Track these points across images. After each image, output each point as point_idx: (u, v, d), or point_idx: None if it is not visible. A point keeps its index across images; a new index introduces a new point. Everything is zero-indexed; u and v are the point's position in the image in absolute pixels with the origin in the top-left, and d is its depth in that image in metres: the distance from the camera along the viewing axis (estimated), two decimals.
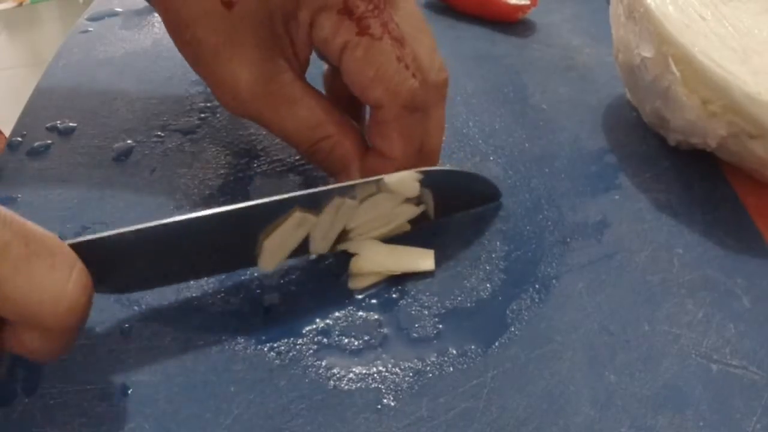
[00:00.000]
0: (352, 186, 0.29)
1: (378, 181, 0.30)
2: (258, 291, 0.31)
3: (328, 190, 0.29)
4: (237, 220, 0.27)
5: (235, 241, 0.28)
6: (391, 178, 0.30)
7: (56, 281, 0.22)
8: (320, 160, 0.32)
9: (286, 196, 0.28)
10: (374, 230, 0.31)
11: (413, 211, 0.31)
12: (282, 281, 0.31)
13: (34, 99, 0.42)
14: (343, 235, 0.31)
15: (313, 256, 0.32)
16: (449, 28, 0.51)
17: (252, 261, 0.29)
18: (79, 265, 0.23)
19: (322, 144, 0.31)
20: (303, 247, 0.30)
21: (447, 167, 0.34)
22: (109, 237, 0.25)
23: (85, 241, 0.25)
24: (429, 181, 0.31)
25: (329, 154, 0.31)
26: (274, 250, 0.29)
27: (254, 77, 0.29)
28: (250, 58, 0.29)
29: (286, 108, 0.30)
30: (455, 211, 0.34)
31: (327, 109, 0.31)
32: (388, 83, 0.29)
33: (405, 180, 0.30)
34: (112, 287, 0.27)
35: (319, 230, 0.30)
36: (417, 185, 0.30)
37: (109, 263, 0.26)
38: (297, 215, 0.28)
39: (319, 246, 0.30)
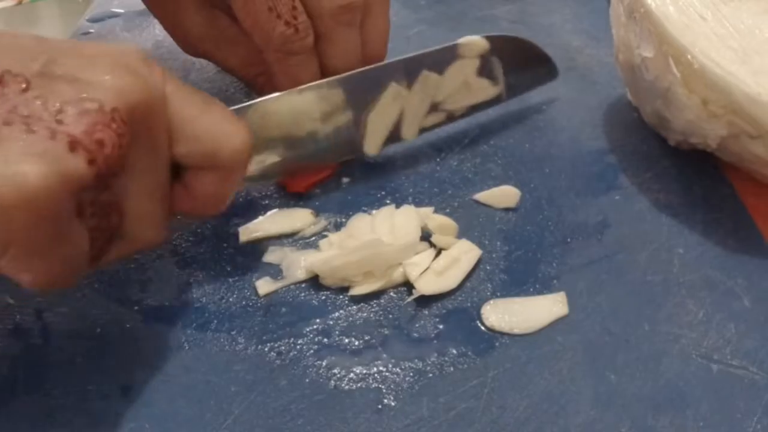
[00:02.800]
0: (432, 54, 0.35)
1: (452, 46, 0.36)
2: (258, 291, 0.31)
3: (417, 60, 0.35)
4: (341, 91, 0.34)
5: (340, 120, 0.34)
6: (462, 40, 0.36)
7: (231, 122, 0.27)
8: (261, 91, 0.36)
9: (382, 66, 0.35)
10: (458, 102, 0.37)
11: (488, 87, 0.38)
12: (283, 281, 0.31)
13: None
14: (433, 110, 0.37)
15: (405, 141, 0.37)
16: (450, 30, 0.51)
17: (358, 146, 0.35)
18: (240, 119, 0.28)
19: (260, 78, 0.37)
20: (396, 132, 0.36)
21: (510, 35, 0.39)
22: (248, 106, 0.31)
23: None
24: (494, 46, 0.37)
25: (266, 86, 0.37)
26: (375, 129, 0.35)
27: (198, 22, 0.36)
28: (194, 8, 0.36)
29: (227, 47, 0.37)
30: (521, 90, 0.40)
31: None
32: (260, 31, 0.34)
33: (474, 41, 0.36)
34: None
35: (410, 106, 0.36)
36: (485, 43, 0.36)
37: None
38: (393, 87, 0.34)
39: (410, 128, 0.36)
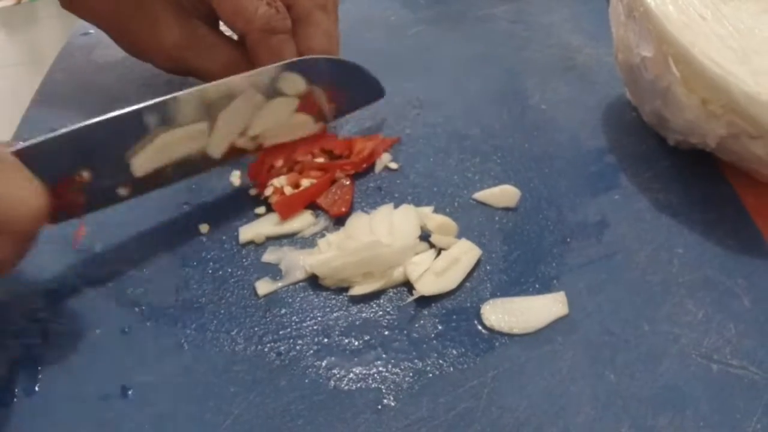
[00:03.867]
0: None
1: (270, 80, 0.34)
2: (257, 291, 0.31)
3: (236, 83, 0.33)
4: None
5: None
6: (282, 77, 0.34)
7: (22, 187, 0.25)
8: None
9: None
10: (275, 138, 0.36)
11: (310, 122, 0.37)
12: (282, 281, 0.31)
13: (35, 103, 0.42)
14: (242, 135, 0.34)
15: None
16: (450, 30, 0.51)
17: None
18: (35, 179, 0.26)
19: None
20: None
21: (327, 57, 0.37)
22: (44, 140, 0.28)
23: (23, 148, 0.27)
24: (314, 74, 0.35)
25: None
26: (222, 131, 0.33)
27: (176, 35, 0.37)
28: (169, 23, 0.36)
29: (207, 53, 0.38)
30: (347, 110, 0.39)
31: (241, 51, 0.38)
32: (243, 14, 0.35)
33: (294, 79, 0.35)
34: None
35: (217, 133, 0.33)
36: (302, 80, 0.35)
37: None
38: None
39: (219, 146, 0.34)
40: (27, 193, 0.25)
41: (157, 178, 0.32)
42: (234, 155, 0.35)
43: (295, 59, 0.35)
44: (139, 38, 0.38)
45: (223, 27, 0.39)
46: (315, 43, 0.37)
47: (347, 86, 0.38)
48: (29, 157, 0.27)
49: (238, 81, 0.33)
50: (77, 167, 0.29)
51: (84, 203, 0.30)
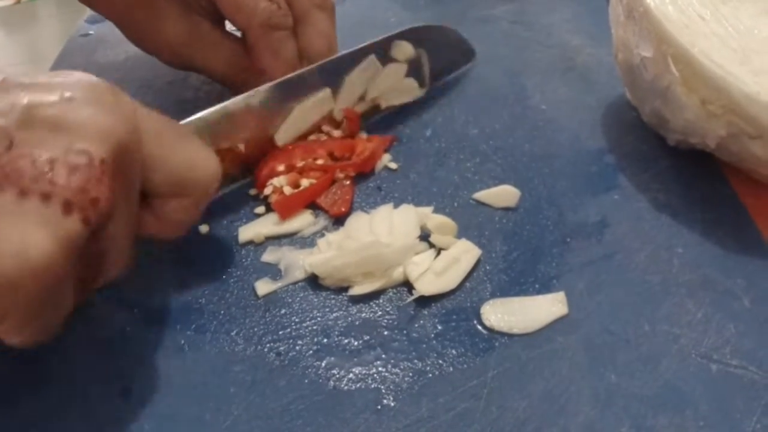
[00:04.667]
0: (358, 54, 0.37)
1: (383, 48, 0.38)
2: (257, 291, 0.31)
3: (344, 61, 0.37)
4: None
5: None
6: (392, 45, 0.39)
7: (203, 153, 0.27)
8: (241, 90, 0.36)
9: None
10: (388, 100, 0.40)
11: (415, 87, 0.41)
12: (282, 281, 0.31)
13: None
14: (361, 100, 0.39)
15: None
16: None
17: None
18: (208, 147, 0.28)
19: (244, 75, 0.38)
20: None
21: (427, 23, 0.42)
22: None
23: (189, 121, 0.31)
24: (417, 38, 0.39)
25: (246, 83, 0.37)
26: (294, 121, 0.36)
27: (180, 31, 0.37)
28: (175, 15, 0.37)
29: (210, 50, 0.38)
30: (444, 74, 0.43)
31: (244, 48, 0.38)
32: (245, 9, 0.35)
33: (403, 46, 0.39)
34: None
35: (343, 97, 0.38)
36: (410, 46, 0.39)
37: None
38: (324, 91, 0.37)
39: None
40: (208, 158, 0.28)
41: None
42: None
43: (400, 30, 0.39)
44: (145, 33, 0.38)
45: (229, 26, 0.39)
46: (313, 42, 0.38)
47: (445, 50, 0.43)
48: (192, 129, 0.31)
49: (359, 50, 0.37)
50: (231, 141, 0.34)
51: (239, 174, 0.35)
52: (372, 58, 0.37)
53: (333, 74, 0.37)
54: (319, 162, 0.36)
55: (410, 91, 0.41)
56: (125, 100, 0.24)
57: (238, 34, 0.38)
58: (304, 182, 0.35)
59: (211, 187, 0.28)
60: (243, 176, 0.35)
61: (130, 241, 0.26)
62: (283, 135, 0.36)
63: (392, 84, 0.40)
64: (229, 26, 0.39)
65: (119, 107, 0.24)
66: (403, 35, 0.39)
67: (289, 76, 0.35)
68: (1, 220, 0.20)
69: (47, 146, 0.21)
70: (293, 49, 0.37)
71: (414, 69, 0.40)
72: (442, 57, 0.42)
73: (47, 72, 0.24)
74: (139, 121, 0.25)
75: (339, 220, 0.34)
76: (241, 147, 0.34)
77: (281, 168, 0.35)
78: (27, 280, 0.20)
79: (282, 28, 0.36)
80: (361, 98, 0.39)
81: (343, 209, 0.34)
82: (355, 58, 0.37)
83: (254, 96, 0.34)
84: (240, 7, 0.36)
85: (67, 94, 0.23)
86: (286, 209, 0.34)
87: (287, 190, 0.34)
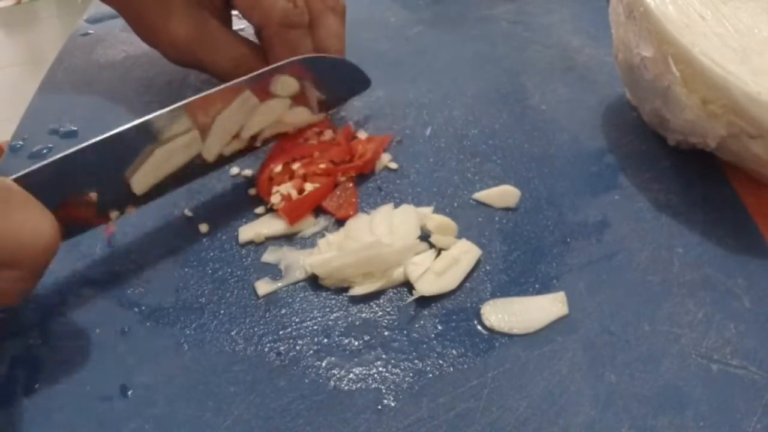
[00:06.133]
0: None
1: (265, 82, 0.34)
2: (257, 291, 0.31)
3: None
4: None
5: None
6: (272, 81, 0.35)
7: (34, 224, 0.25)
8: None
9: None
10: (268, 132, 0.36)
11: (304, 113, 0.37)
12: (282, 281, 0.31)
13: (36, 102, 0.42)
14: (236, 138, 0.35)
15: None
16: (450, 30, 0.51)
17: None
18: (46, 209, 0.26)
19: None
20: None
21: (316, 55, 0.38)
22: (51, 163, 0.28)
23: (23, 175, 0.27)
24: (304, 73, 0.36)
25: None
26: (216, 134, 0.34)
27: (188, 28, 0.37)
28: (181, 15, 0.37)
29: (216, 48, 0.38)
30: (336, 103, 0.40)
31: (250, 46, 0.39)
32: (261, 7, 0.36)
33: (287, 81, 0.35)
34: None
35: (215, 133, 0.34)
36: (294, 82, 0.36)
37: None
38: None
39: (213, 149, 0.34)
40: (41, 225, 0.25)
41: (158, 190, 0.32)
42: (229, 158, 0.35)
43: (284, 62, 0.35)
44: (152, 28, 0.38)
45: (236, 24, 0.39)
46: (326, 44, 0.38)
47: (335, 80, 0.38)
48: (30, 185, 0.26)
49: (228, 88, 0.33)
50: (78, 190, 0.29)
51: (87, 222, 0.31)
52: (247, 94, 0.34)
53: (200, 114, 0.32)
54: (322, 166, 0.36)
55: (300, 116, 0.37)
56: None
57: (250, 30, 0.39)
58: (308, 186, 0.35)
59: (43, 259, 0.25)
60: (99, 221, 0.31)
61: None
62: (140, 180, 0.31)
63: (275, 118, 0.36)
64: (236, 25, 0.40)
65: None
66: (284, 70, 0.35)
67: (149, 117, 0.31)
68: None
69: None
70: (309, 47, 0.37)
71: (300, 101, 0.37)
72: (332, 87, 0.38)
73: None
74: None
75: (339, 221, 0.34)
76: (93, 196, 0.30)
77: (278, 169, 0.35)
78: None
79: (298, 26, 0.37)
80: (236, 137, 0.34)
81: (350, 212, 0.34)
82: (226, 96, 0.33)
83: (107, 139, 0.29)
84: (257, 5, 0.36)
85: None
86: (294, 214, 0.34)
87: (293, 194, 0.34)
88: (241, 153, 0.36)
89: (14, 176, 0.27)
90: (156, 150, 0.31)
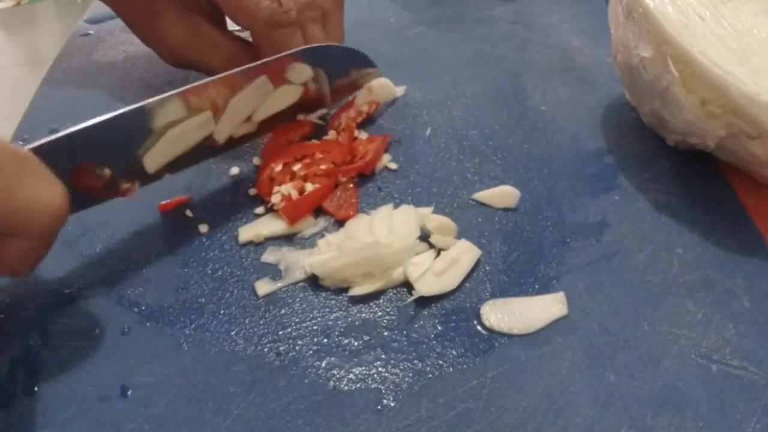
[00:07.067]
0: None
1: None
2: (257, 291, 0.31)
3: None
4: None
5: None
6: (288, 68, 0.36)
7: (45, 189, 0.25)
8: None
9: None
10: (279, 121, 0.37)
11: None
12: (282, 282, 0.31)
13: (36, 102, 0.42)
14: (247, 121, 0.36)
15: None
16: (449, 31, 0.51)
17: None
18: (57, 179, 0.26)
19: None
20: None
21: (329, 44, 0.39)
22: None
23: (45, 144, 0.28)
24: (316, 58, 0.37)
25: None
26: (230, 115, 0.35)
27: (180, 32, 0.38)
28: (174, 17, 0.38)
29: (211, 50, 0.39)
30: (346, 92, 0.41)
31: (242, 47, 0.40)
32: (246, 9, 0.36)
33: (301, 68, 0.37)
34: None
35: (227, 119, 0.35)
36: (308, 68, 0.37)
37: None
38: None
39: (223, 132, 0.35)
40: (51, 194, 0.25)
41: (168, 169, 0.33)
42: (238, 141, 0.36)
43: (301, 48, 0.36)
44: (147, 33, 0.39)
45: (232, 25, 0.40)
46: (338, 41, 0.40)
47: (346, 70, 0.40)
48: (44, 155, 0.27)
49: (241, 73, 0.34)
50: (91, 162, 0.30)
51: (98, 195, 0.31)
52: (263, 79, 0.35)
53: (216, 96, 0.33)
54: (323, 167, 0.36)
55: (312, 108, 0.39)
56: None
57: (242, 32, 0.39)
58: (309, 187, 0.35)
59: (53, 228, 0.25)
60: (108, 197, 0.32)
61: None
62: (153, 159, 0.32)
63: (287, 106, 0.37)
64: (230, 25, 0.40)
65: None
66: (300, 55, 0.36)
67: (160, 96, 0.31)
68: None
69: None
70: (299, 43, 0.38)
71: (310, 90, 0.38)
72: (343, 75, 0.40)
73: None
74: None
75: (339, 221, 0.34)
76: (106, 172, 0.31)
77: (279, 168, 0.35)
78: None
79: (284, 25, 0.37)
80: (247, 120, 0.36)
81: (351, 213, 0.34)
82: (242, 79, 0.34)
83: (121, 116, 0.30)
84: (242, 7, 0.36)
85: None
86: (294, 214, 0.34)
87: (294, 194, 0.34)
88: (250, 137, 0.37)
89: (30, 146, 0.27)
90: (169, 130, 0.32)
